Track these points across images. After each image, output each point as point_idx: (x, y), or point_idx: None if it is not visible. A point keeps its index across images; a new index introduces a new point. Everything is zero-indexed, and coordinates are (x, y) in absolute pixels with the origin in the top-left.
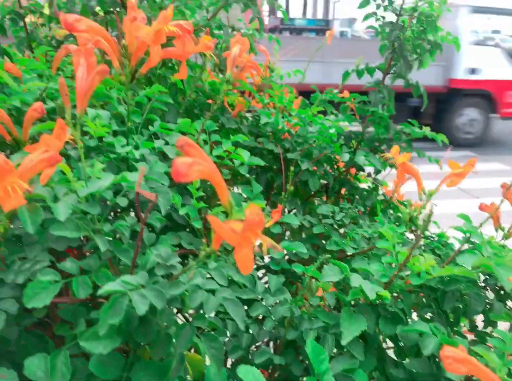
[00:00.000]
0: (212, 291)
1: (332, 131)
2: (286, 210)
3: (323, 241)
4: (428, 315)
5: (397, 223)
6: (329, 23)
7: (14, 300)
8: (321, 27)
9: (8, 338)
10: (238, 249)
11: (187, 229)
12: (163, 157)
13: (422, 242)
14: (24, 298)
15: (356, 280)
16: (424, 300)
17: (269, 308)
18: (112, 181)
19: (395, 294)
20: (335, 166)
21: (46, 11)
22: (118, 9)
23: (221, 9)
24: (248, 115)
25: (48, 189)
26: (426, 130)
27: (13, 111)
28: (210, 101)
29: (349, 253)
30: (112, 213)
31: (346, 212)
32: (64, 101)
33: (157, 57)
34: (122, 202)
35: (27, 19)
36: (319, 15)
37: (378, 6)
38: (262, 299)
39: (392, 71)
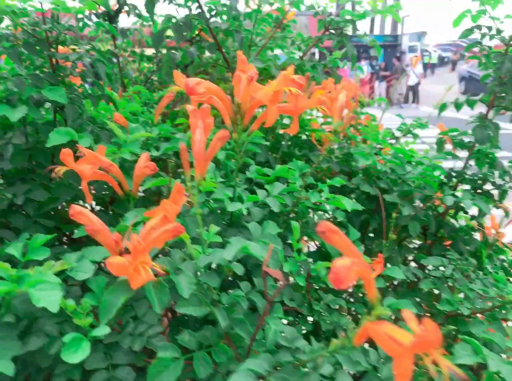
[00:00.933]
0: None
1: (437, 173)
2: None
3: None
4: None
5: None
6: (398, 38)
7: (130, 368)
8: (389, 43)
9: None
10: (399, 361)
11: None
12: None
13: None
14: (149, 377)
15: (494, 364)
16: None
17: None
18: (235, 252)
19: None
20: (433, 205)
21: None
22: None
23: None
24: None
25: (169, 260)
26: None
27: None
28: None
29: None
30: None
31: (455, 264)
32: (184, 166)
33: (274, 117)
34: (239, 269)
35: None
36: (387, 31)
37: (483, 36)
38: (375, 368)
39: (497, 104)
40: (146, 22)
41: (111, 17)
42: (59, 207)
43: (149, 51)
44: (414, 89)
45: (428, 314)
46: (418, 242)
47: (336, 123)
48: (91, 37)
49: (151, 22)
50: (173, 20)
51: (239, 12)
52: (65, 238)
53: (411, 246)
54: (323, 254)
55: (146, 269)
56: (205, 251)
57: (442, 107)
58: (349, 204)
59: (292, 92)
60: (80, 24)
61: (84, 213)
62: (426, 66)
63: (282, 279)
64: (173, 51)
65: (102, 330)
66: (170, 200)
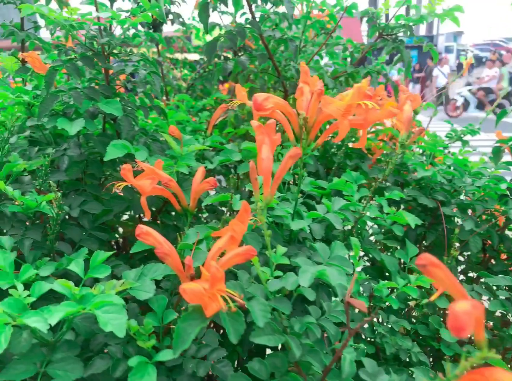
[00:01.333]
0: None
1: (503, 186)
2: None
3: None
4: None
5: None
6: (433, 38)
7: None
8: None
9: None
10: None
11: None
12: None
13: None
14: None
15: None
16: None
17: None
18: (311, 278)
19: None
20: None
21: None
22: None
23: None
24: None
25: (239, 283)
26: None
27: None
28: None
29: None
30: None
31: None
32: (253, 186)
33: (345, 132)
34: (311, 295)
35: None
36: (422, 31)
37: None
38: None
39: None
40: (189, 29)
41: (156, 25)
42: None
43: (190, 57)
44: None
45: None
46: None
47: (404, 136)
48: (133, 44)
49: (206, 32)
50: (217, 28)
51: (293, 20)
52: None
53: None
54: (377, 269)
55: (221, 296)
56: (273, 274)
57: (502, 113)
58: (413, 220)
59: (367, 106)
60: (130, 33)
61: (152, 234)
62: (462, 66)
63: (366, 310)
64: (223, 61)
65: (167, 355)
66: (237, 219)
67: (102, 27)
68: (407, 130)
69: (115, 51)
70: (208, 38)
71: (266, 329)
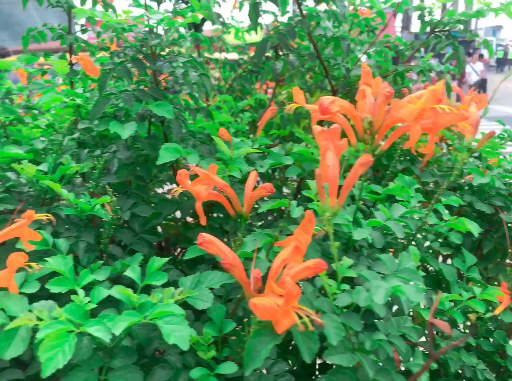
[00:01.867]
0: None
1: None
2: None
3: None
4: None
5: None
6: (471, 33)
7: None
8: (461, 39)
9: None
10: None
11: None
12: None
13: None
14: None
15: None
16: None
17: None
18: (385, 295)
19: None
20: None
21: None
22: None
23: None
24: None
25: (307, 297)
26: None
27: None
28: None
29: None
30: None
31: None
32: (320, 194)
33: (417, 137)
34: (381, 310)
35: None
36: None
37: None
38: None
39: None
40: (228, 29)
41: (196, 25)
42: None
43: (229, 56)
44: (482, 86)
45: None
46: None
47: (470, 140)
48: (176, 45)
49: (255, 31)
50: (264, 27)
51: (345, 19)
52: None
53: None
54: (433, 278)
55: (294, 313)
56: (340, 287)
57: None
58: (475, 228)
59: (444, 110)
60: (175, 35)
61: (215, 243)
62: (503, 61)
63: (451, 332)
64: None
65: (229, 368)
66: (301, 229)
67: (150, 29)
68: (474, 133)
69: (163, 53)
70: (247, 37)
71: (339, 348)
